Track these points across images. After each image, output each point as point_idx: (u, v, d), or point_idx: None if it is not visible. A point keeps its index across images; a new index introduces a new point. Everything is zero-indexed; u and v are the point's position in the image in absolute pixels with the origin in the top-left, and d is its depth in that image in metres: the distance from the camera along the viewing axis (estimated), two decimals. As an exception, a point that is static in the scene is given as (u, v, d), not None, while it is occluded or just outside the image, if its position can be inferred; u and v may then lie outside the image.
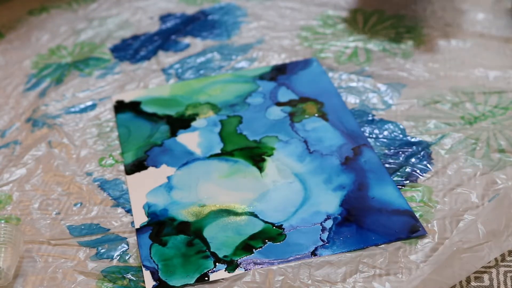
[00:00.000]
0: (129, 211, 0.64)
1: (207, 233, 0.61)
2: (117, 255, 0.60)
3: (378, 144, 0.68)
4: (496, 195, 0.61)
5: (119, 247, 0.61)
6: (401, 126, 0.70)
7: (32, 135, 0.75)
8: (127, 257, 0.60)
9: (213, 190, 0.65)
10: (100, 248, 0.61)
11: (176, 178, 0.67)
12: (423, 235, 0.58)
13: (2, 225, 0.60)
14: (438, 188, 0.63)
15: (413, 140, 0.68)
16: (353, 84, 0.77)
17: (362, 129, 0.70)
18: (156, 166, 0.69)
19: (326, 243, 0.59)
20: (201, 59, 0.85)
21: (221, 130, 0.73)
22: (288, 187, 0.65)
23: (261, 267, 0.57)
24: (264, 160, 0.68)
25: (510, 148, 0.66)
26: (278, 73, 0.80)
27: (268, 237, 0.60)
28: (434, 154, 0.66)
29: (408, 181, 0.64)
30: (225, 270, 0.57)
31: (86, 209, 0.65)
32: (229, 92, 0.78)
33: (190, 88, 0.80)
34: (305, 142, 0.70)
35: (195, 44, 0.88)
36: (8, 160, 0.72)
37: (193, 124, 0.74)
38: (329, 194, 0.63)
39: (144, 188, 0.66)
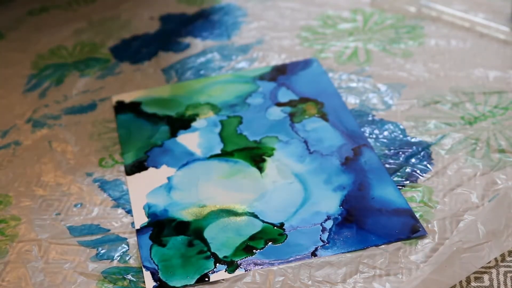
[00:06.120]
0: (129, 211, 0.64)
1: (207, 233, 0.61)
2: (117, 256, 0.60)
3: (378, 144, 0.68)
4: (496, 195, 0.61)
5: (119, 247, 0.61)
6: (401, 126, 0.70)
7: (32, 135, 0.75)
8: (127, 258, 0.60)
9: (213, 190, 0.65)
10: (100, 248, 0.61)
11: (176, 178, 0.67)
12: (423, 235, 0.58)
13: None
14: (438, 188, 0.63)
15: (413, 140, 0.68)
16: (353, 84, 0.77)
17: (362, 129, 0.70)
18: (156, 166, 0.69)
19: (326, 243, 0.59)
20: (201, 59, 0.85)
21: (221, 130, 0.73)
22: (288, 187, 0.65)
23: (261, 267, 0.57)
24: (264, 160, 0.68)
25: (510, 148, 0.66)
26: (278, 73, 0.80)
27: (269, 238, 0.60)
28: (434, 154, 0.66)
29: (408, 181, 0.64)
30: (225, 271, 0.57)
31: (86, 209, 0.65)
32: (229, 93, 0.78)
33: (190, 88, 0.80)
34: (305, 142, 0.70)
35: (195, 44, 0.88)
36: (8, 160, 0.72)
37: (193, 124, 0.74)
38: (329, 194, 0.63)
39: (144, 188, 0.66)
